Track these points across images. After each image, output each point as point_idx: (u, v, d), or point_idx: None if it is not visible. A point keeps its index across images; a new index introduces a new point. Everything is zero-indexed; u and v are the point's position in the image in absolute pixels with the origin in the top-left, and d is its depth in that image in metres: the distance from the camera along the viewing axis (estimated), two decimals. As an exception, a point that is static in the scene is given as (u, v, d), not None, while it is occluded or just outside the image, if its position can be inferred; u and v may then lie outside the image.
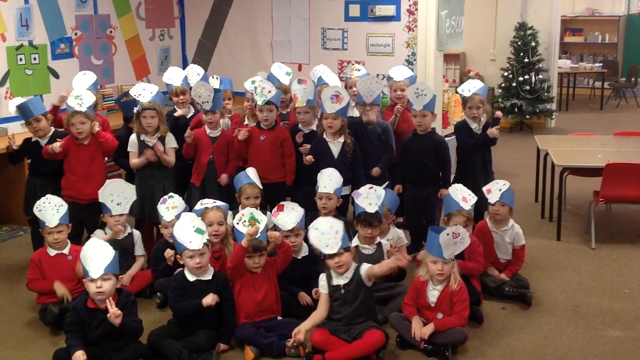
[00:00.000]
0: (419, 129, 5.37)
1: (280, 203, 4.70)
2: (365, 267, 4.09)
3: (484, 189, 5.04)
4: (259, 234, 4.24)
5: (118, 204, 4.83)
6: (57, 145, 5.11)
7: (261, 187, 5.07)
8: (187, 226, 4.16)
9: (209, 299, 4.04)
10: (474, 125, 5.59)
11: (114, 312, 3.75)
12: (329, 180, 4.96)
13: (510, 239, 4.99)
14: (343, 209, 5.33)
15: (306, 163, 5.32)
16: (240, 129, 5.49)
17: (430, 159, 5.38)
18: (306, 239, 4.58)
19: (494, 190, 4.97)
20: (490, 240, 4.98)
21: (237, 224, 4.30)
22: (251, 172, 5.11)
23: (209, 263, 4.25)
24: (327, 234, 4.06)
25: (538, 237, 5.95)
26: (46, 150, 5.18)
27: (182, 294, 4.12)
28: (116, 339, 3.88)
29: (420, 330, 4.02)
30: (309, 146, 5.38)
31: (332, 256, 4.04)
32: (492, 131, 5.48)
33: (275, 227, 4.62)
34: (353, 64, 6.85)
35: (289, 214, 4.59)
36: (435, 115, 5.50)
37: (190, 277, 4.15)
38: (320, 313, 4.11)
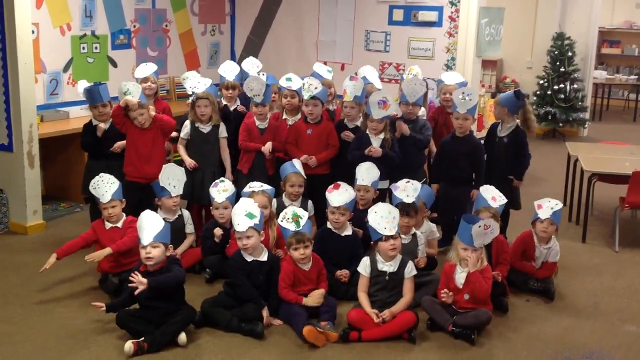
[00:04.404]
0: (458, 131, 5.65)
1: (337, 182, 5.06)
2: (410, 267, 4.49)
3: (535, 203, 5.20)
4: (301, 227, 4.60)
5: (174, 187, 5.21)
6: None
7: (305, 177, 5.46)
8: (240, 210, 4.53)
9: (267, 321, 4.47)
10: (498, 128, 5.83)
11: (139, 282, 4.14)
12: (367, 173, 5.32)
13: (548, 257, 5.19)
14: (379, 202, 5.66)
15: (346, 138, 5.73)
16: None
17: (466, 160, 5.66)
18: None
19: (545, 207, 5.11)
20: (532, 250, 5.18)
21: (282, 221, 4.68)
22: (297, 162, 5.51)
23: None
24: (385, 217, 4.45)
25: (564, 239, 6.17)
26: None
27: (242, 271, 4.51)
28: (167, 301, 4.25)
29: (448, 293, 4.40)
30: (352, 135, 5.74)
31: (387, 239, 4.40)
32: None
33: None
34: (411, 67, 7.03)
35: (341, 194, 4.96)
36: (475, 119, 5.80)
37: (248, 258, 4.53)
38: (365, 293, 4.48)
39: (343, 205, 4.95)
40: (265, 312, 4.46)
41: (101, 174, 5.08)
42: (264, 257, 4.57)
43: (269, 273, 4.56)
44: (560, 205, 5.15)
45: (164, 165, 5.30)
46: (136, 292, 4.16)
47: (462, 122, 5.60)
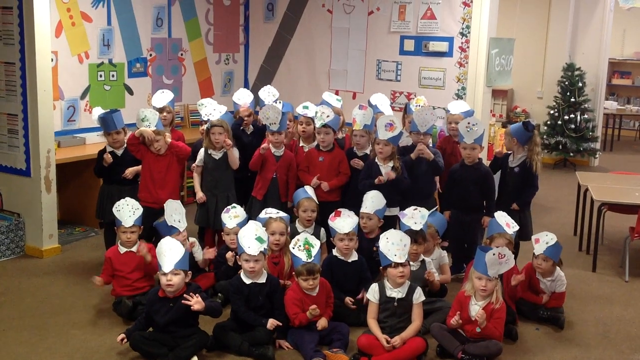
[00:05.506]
0: (467, 160, 5.72)
1: (338, 209, 5.14)
2: (419, 293, 4.53)
3: (533, 237, 5.25)
4: (313, 257, 4.62)
5: (179, 221, 5.17)
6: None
7: (317, 202, 5.53)
8: (250, 233, 4.61)
9: (272, 323, 4.51)
10: (510, 159, 5.91)
11: (196, 302, 4.25)
12: (371, 201, 5.38)
13: (554, 289, 5.20)
14: (390, 229, 5.70)
15: (355, 165, 5.81)
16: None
17: (476, 188, 5.73)
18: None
19: (542, 242, 5.12)
20: (536, 281, 5.22)
21: (293, 248, 4.69)
22: (309, 189, 5.60)
23: (267, 267, 4.75)
24: (396, 244, 4.50)
25: (574, 268, 6.25)
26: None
27: (240, 294, 4.58)
28: (182, 325, 4.34)
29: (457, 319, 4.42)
30: (361, 163, 5.82)
31: (397, 265, 4.45)
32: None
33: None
34: (419, 97, 7.06)
35: (345, 220, 5.03)
36: (482, 148, 5.86)
37: (247, 280, 4.60)
38: (375, 319, 4.53)
39: (352, 230, 5.00)
40: (269, 324, 4.48)
41: (126, 198, 5.20)
42: (262, 279, 4.63)
43: (270, 295, 4.62)
44: (554, 239, 5.12)
45: (164, 204, 5.20)
46: (193, 308, 4.26)
47: (470, 152, 5.67)
